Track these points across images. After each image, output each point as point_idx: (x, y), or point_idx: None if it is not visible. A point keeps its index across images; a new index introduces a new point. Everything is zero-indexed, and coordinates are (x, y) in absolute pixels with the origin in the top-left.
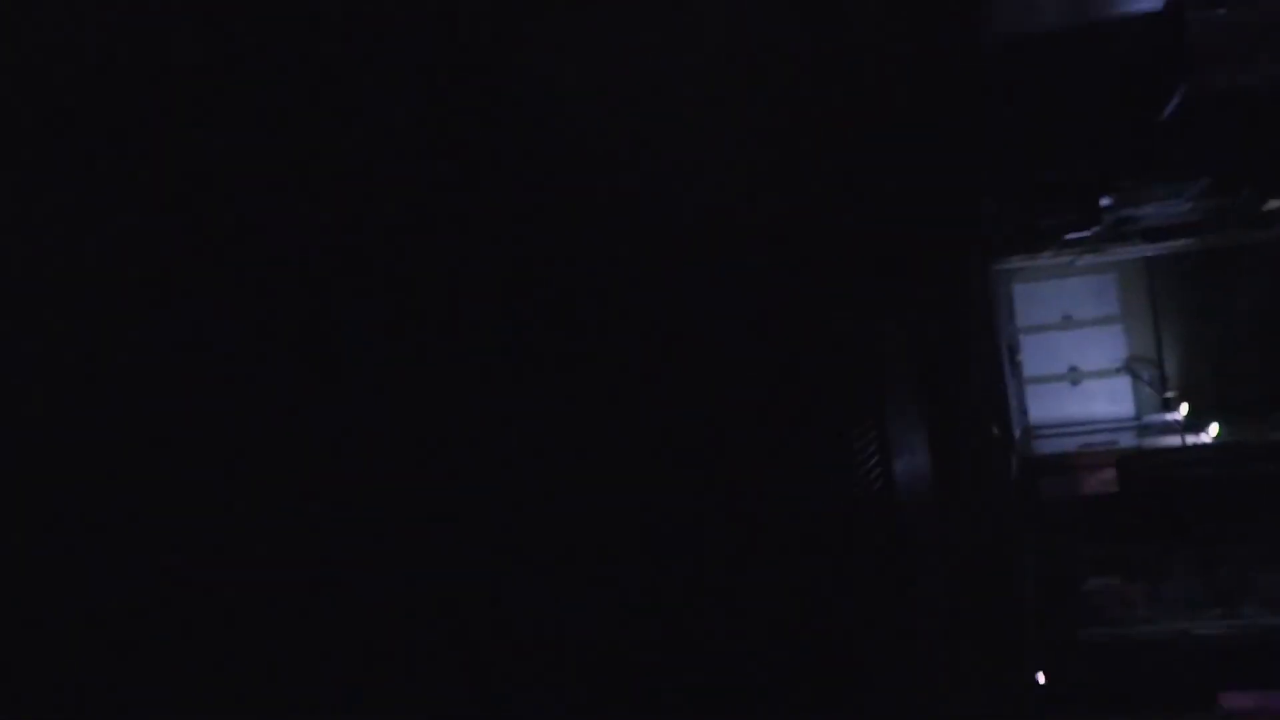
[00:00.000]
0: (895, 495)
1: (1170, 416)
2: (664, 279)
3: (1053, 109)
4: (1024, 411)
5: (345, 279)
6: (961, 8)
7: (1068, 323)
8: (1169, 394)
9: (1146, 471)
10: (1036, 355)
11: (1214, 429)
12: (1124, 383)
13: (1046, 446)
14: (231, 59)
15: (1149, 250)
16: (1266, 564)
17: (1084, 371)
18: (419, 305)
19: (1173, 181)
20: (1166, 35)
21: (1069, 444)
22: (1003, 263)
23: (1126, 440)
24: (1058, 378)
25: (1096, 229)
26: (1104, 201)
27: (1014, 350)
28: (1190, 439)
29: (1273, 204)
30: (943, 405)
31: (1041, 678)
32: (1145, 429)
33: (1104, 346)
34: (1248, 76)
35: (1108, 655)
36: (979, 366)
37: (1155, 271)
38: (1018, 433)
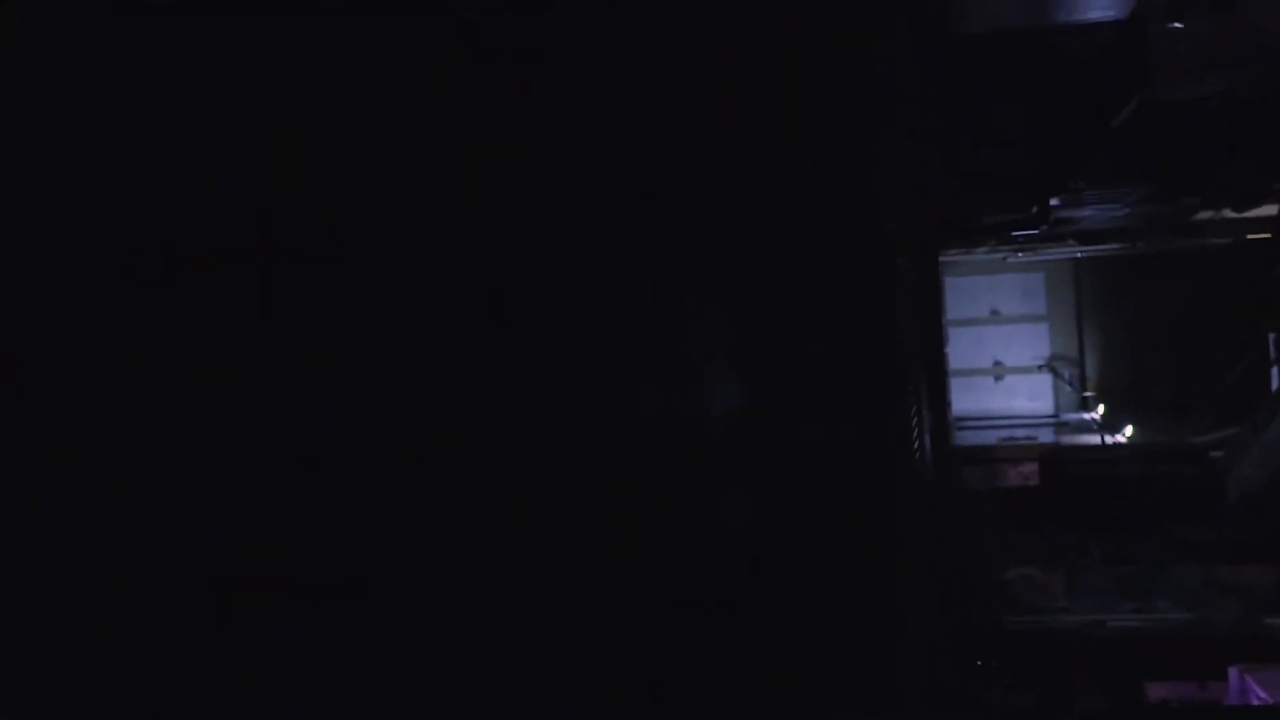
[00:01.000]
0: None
1: (1088, 415)
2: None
3: (1008, 108)
4: (948, 403)
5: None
6: (925, 4)
7: (995, 318)
8: (1088, 393)
9: (1065, 467)
10: (962, 348)
11: (1129, 429)
12: (1045, 380)
13: (969, 438)
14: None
15: (1080, 252)
16: (1178, 560)
17: (1008, 367)
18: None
19: (1116, 187)
20: (1125, 44)
21: (990, 437)
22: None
23: (1046, 436)
24: (982, 371)
25: (1043, 227)
26: (1053, 202)
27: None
28: (1107, 437)
29: (1203, 215)
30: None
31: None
32: (1064, 425)
33: (1028, 344)
34: (1199, 89)
35: (1028, 643)
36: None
37: (1082, 273)
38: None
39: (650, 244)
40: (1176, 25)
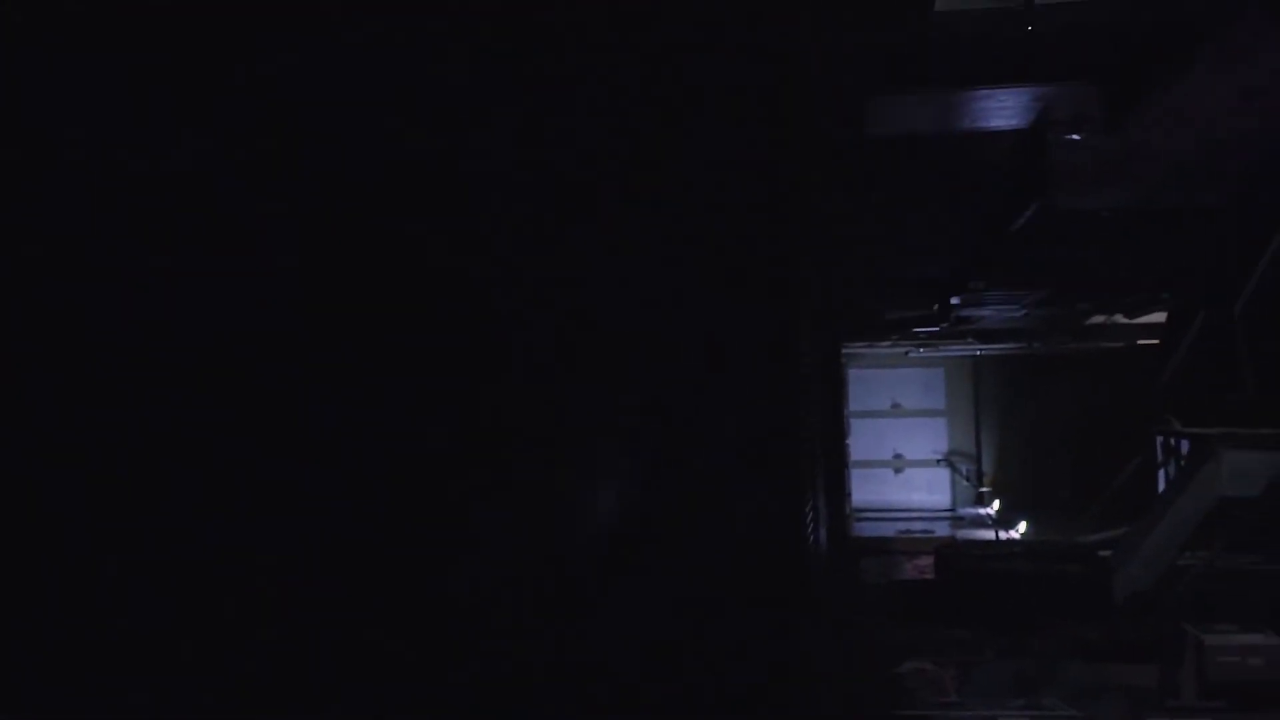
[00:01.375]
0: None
1: (984, 510)
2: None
3: (912, 209)
4: (848, 493)
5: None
6: (840, 107)
7: (896, 411)
8: (984, 488)
9: (959, 562)
10: (864, 440)
11: (1023, 525)
12: (944, 474)
13: (868, 530)
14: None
15: (979, 350)
16: (1068, 658)
17: (907, 460)
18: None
19: (1014, 289)
20: (1026, 154)
21: (889, 529)
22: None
23: (943, 529)
24: (883, 464)
25: (945, 325)
26: (954, 300)
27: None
28: (1001, 533)
29: (1097, 319)
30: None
31: None
32: (960, 520)
33: (928, 437)
34: (1094, 200)
35: None
36: (832, 446)
37: (981, 371)
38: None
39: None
40: (1074, 137)
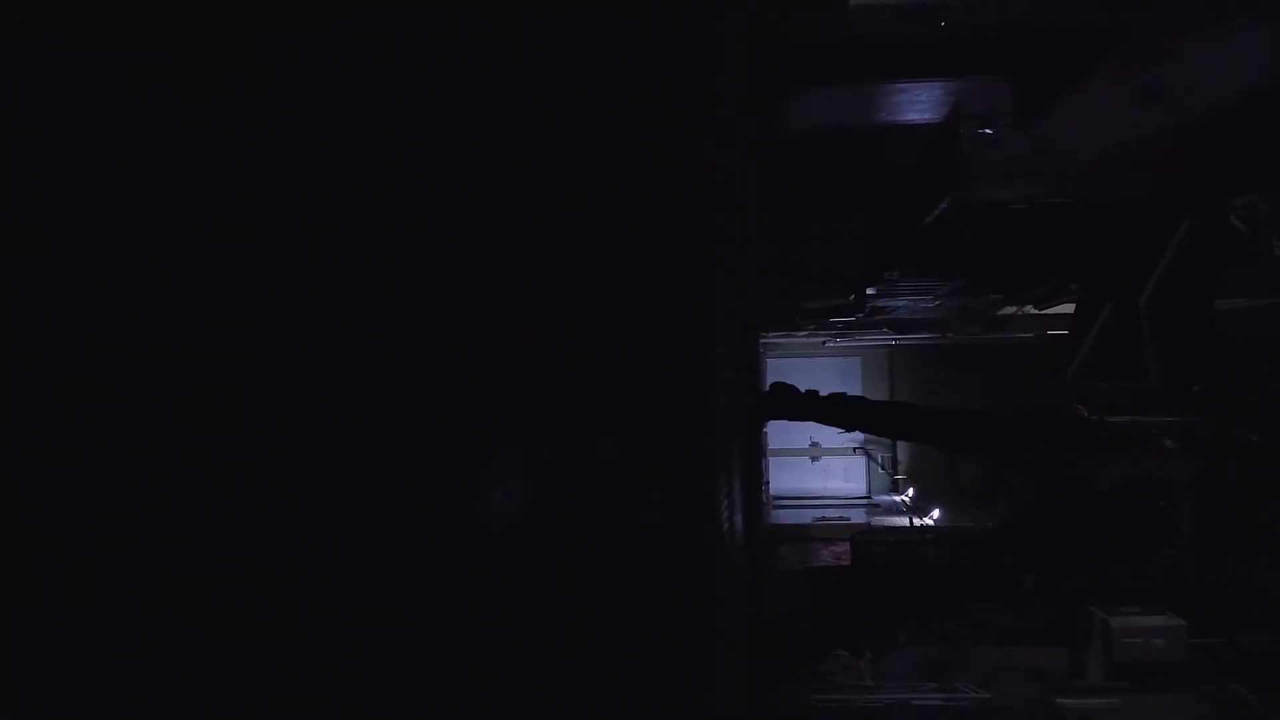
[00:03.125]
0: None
1: (899, 497)
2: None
3: (829, 200)
4: (765, 481)
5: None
6: (764, 97)
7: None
8: (899, 476)
9: (873, 548)
10: (781, 429)
11: (936, 512)
12: (860, 462)
13: (785, 517)
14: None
15: (894, 340)
16: (977, 640)
17: (824, 448)
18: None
19: (927, 280)
20: (940, 148)
21: (806, 516)
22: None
23: (859, 517)
24: (800, 452)
25: (860, 315)
26: (869, 291)
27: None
28: (915, 520)
29: (1008, 310)
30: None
31: None
32: (876, 507)
33: None
34: (1005, 193)
35: None
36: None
37: (896, 360)
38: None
39: (452, 337)
40: (987, 131)
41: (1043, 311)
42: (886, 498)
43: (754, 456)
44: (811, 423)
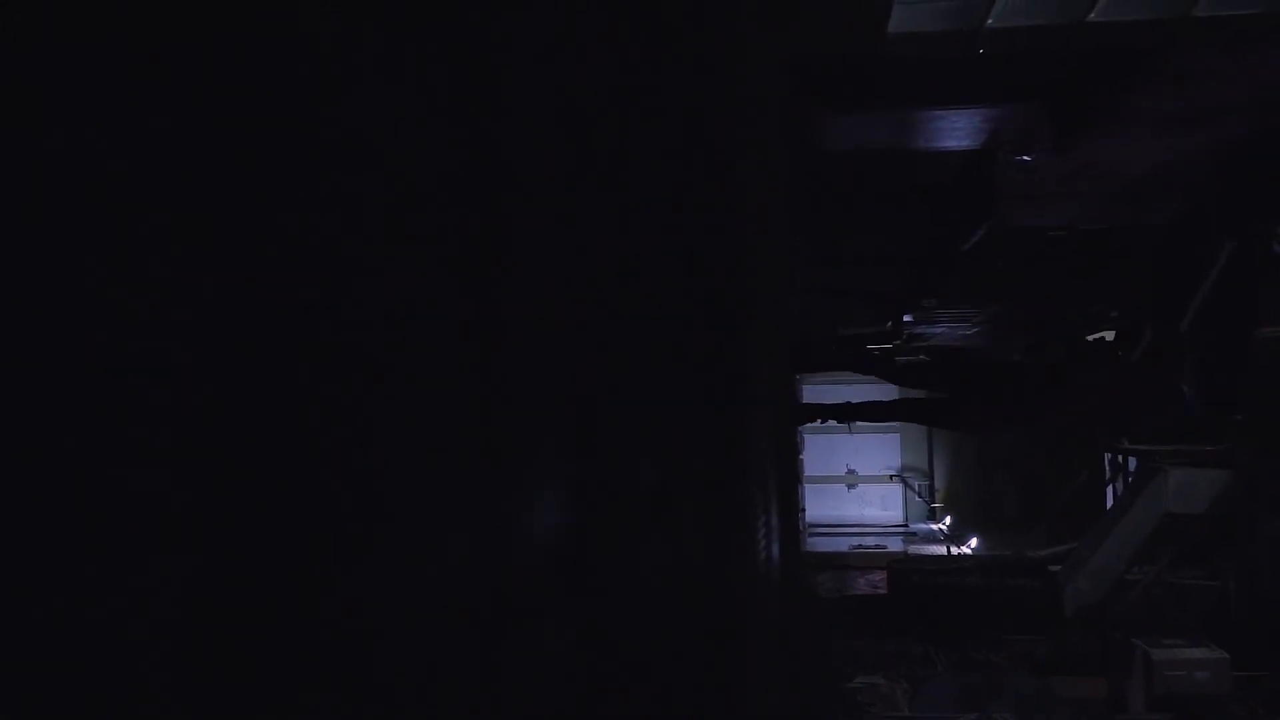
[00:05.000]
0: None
1: (935, 525)
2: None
3: (867, 225)
4: (802, 509)
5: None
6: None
7: (850, 428)
8: (936, 504)
9: (911, 576)
10: (818, 456)
11: (974, 540)
12: (897, 490)
13: (822, 545)
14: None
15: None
16: (1015, 669)
17: (860, 476)
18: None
19: (965, 306)
20: (978, 174)
21: (842, 544)
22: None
23: (896, 545)
24: (837, 479)
25: (897, 341)
26: (906, 317)
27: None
28: (952, 548)
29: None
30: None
31: None
32: (913, 535)
33: (881, 454)
34: (1045, 220)
35: None
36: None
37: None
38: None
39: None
40: (1025, 158)
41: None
42: (923, 525)
43: (790, 484)
44: (848, 448)
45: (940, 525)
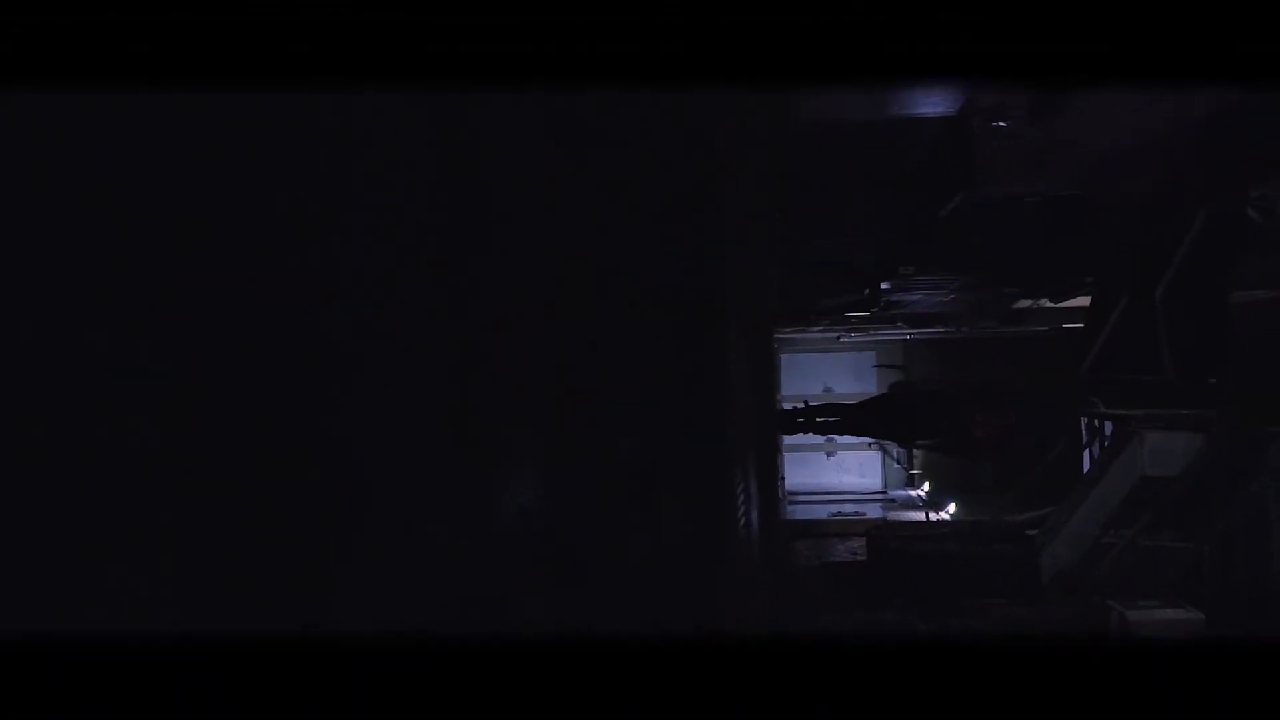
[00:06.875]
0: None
1: (914, 492)
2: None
3: (843, 196)
4: (781, 477)
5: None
6: (773, 96)
7: (828, 395)
8: (914, 471)
9: (889, 543)
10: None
11: (952, 506)
12: (875, 457)
13: (801, 512)
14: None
15: (909, 334)
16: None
17: (839, 444)
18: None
19: (942, 274)
20: (954, 141)
21: (822, 512)
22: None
23: (875, 512)
24: (815, 448)
25: (875, 310)
26: (884, 286)
27: None
28: (931, 514)
29: (1023, 303)
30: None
31: None
32: (891, 502)
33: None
34: (1020, 187)
35: None
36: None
37: (911, 354)
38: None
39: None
40: (1000, 124)
41: (1058, 305)
42: (902, 492)
43: (769, 452)
44: None
45: (919, 492)
